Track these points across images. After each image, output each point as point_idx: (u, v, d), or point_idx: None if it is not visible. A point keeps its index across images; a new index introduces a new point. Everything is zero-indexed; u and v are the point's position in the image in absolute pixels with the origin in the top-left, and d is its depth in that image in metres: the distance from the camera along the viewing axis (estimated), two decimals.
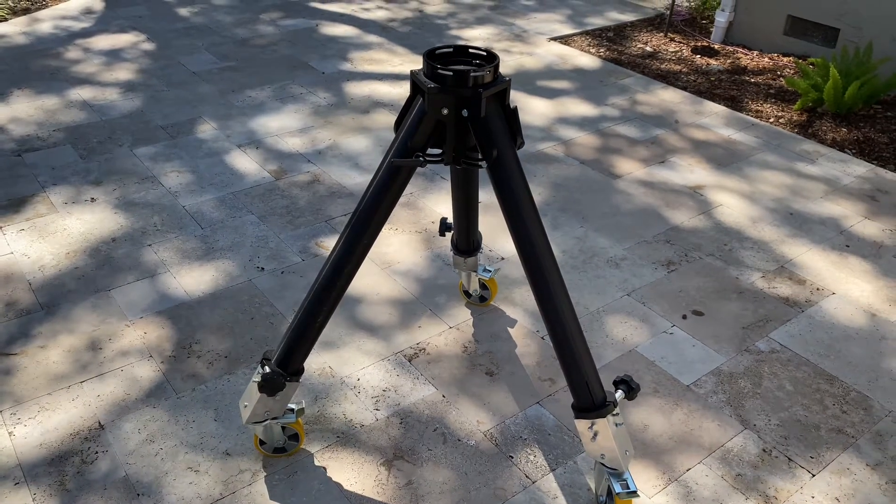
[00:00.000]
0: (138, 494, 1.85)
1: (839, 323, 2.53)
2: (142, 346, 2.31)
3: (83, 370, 2.21)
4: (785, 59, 4.72)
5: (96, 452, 1.96)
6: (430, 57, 1.62)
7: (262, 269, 2.67)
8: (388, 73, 4.34)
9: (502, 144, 1.61)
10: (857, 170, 3.48)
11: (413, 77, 1.63)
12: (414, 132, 1.63)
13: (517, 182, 1.62)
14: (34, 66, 4.24)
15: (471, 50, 1.67)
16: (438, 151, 1.69)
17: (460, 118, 1.60)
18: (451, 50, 1.67)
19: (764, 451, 2.05)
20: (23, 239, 2.78)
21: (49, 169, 3.24)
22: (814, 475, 1.98)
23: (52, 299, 2.49)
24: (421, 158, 1.62)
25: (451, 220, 2.56)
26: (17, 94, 3.91)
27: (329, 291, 1.75)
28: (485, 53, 1.65)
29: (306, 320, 1.78)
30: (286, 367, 1.80)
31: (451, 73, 1.55)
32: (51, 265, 2.65)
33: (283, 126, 3.70)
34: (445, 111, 1.58)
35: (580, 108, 4.01)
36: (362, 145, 3.54)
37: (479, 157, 1.65)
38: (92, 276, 2.61)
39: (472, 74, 1.55)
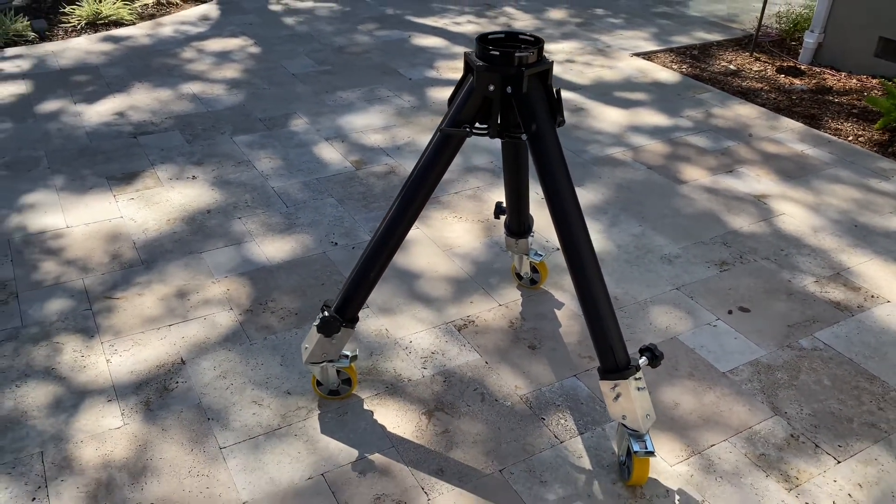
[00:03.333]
0: (208, 419, 2.11)
1: (890, 329, 2.54)
2: (224, 299, 2.59)
3: (172, 315, 2.51)
4: (874, 80, 4.66)
5: (177, 382, 2.24)
6: (482, 40, 1.82)
7: (336, 243, 2.93)
8: None
9: (542, 120, 1.78)
10: None
11: (466, 57, 1.83)
12: (463, 106, 1.83)
13: (554, 154, 1.79)
14: (154, 64, 4.72)
15: (521, 36, 1.86)
16: (485, 126, 1.88)
17: (505, 95, 1.79)
18: (502, 35, 1.86)
19: (791, 436, 2.11)
20: (132, 206, 3.14)
21: (159, 150, 3.63)
22: (839, 461, 2.03)
23: (151, 257, 2.82)
24: (468, 129, 1.81)
25: (505, 203, 2.74)
26: (138, 86, 4.37)
27: (383, 249, 1.97)
28: (532, 38, 1.83)
29: (362, 274, 2.00)
30: (343, 314, 2.02)
31: (497, 53, 1.74)
32: (153, 229, 2.99)
33: (368, 124, 3.98)
34: (492, 87, 1.78)
35: (653, 118, 4.11)
36: None
37: (521, 131, 1.83)
38: (187, 240, 2.93)
39: (516, 54, 1.73)
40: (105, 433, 2.05)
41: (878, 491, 1.95)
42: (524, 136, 1.80)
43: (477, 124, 1.86)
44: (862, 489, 1.95)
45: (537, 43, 1.80)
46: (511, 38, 1.86)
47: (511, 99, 1.79)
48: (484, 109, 1.84)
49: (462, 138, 1.85)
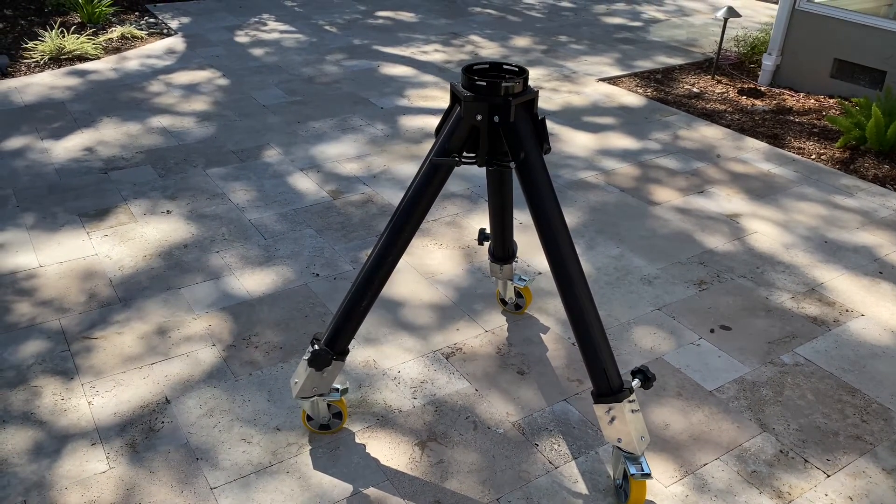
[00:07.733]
0: (197, 458, 2.07)
1: (866, 342, 2.60)
2: (206, 335, 2.55)
3: (153, 353, 2.46)
4: (831, 100, 4.81)
5: (162, 422, 2.19)
6: (468, 70, 1.84)
7: (318, 274, 2.90)
8: (441, 108, 4.61)
9: (529, 147, 1.81)
10: (895, 203, 3.55)
11: (452, 88, 1.85)
12: (451, 136, 1.84)
13: (542, 181, 1.81)
14: (121, 98, 4.67)
15: (504, 66, 1.89)
16: (473, 155, 1.89)
17: (492, 124, 1.81)
18: (487, 66, 1.89)
19: (781, 451, 2.14)
20: (106, 243, 3.09)
21: (131, 185, 3.58)
22: (829, 475, 2.06)
23: (128, 294, 2.77)
24: (457, 159, 1.83)
25: (489, 230, 2.75)
26: (106, 120, 4.31)
27: (373, 279, 1.96)
28: (516, 69, 1.86)
29: (352, 305, 1.98)
30: (333, 347, 2.00)
31: (484, 84, 1.76)
32: (129, 265, 2.94)
33: (342, 153, 3.98)
34: (479, 117, 1.80)
35: (623, 141, 4.18)
36: (413, 171, 3.78)
37: (509, 159, 1.85)
38: (164, 276, 2.88)
39: (503, 84, 1.76)
40: (90, 478, 1.99)
41: (869, 503, 1.98)
42: (512, 165, 1.82)
43: (465, 153, 1.88)
44: (853, 502, 1.99)
45: (522, 73, 1.83)
46: (496, 69, 1.89)
47: (498, 128, 1.81)
48: (472, 139, 1.85)
49: (451, 167, 1.87)
